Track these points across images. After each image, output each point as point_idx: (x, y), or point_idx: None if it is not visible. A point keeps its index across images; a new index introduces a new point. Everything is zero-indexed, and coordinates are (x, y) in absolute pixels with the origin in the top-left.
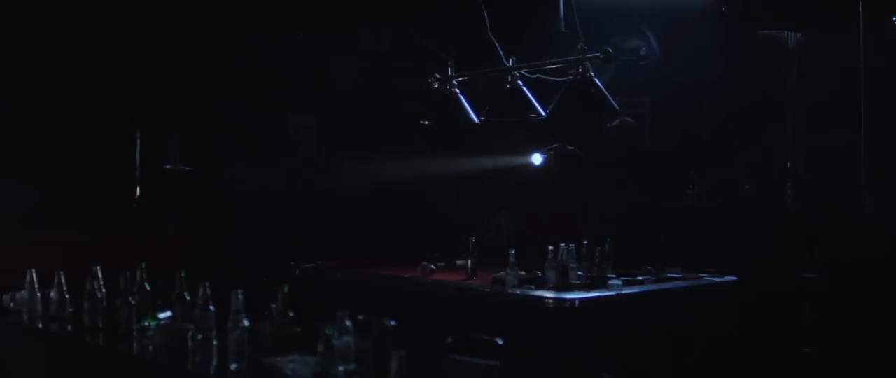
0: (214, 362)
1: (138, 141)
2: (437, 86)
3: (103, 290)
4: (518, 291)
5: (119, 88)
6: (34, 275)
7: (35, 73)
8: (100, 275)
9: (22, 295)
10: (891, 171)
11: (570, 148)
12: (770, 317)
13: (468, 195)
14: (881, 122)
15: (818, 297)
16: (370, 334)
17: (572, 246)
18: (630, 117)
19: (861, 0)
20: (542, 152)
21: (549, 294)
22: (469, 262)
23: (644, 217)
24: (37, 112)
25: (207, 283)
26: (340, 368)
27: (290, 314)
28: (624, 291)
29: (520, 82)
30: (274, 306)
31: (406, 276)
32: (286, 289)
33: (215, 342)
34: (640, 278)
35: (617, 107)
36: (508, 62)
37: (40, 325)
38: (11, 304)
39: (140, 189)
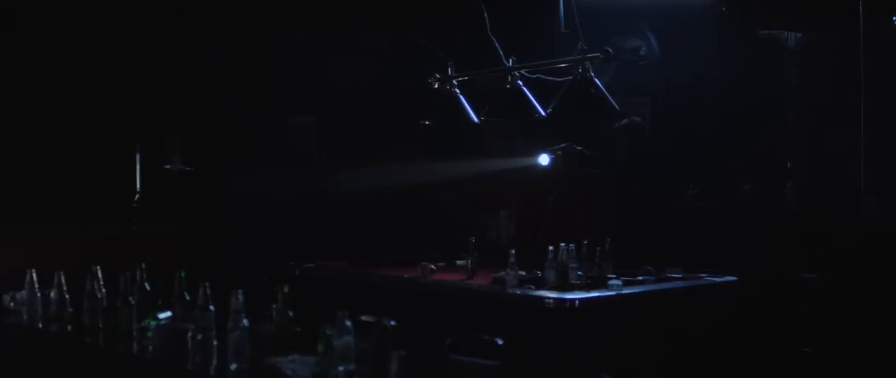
0: (214, 362)
1: (138, 141)
2: (437, 86)
3: (103, 290)
4: (518, 291)
5: (119, 88)
6: (34, 275)
7: (35, 73)
8: (100, 275)
9: (22, 295)
10: (891, 171)
11: (578, 148)
12: (770, 317)
13: (468, 195)
14: (881, 122)
15: (818, 296)
16: (370, 334)
17: (572, 246)
18: (638, 116)
19: (861, 0)
20: (549, 152)
21: (549, 294)
22: (469, 262)
23: (648, 217)
24: (37, 112)
25: (207, 283)
26: (340, 368)
27: (290, 314)
28: (624, 291)
29: (520, 82)
30: (274, 306)
31: (406, 276)
32: (286, 289)
33: (215, 342)
34: (640, 278)
35: (617, 107)
36: (508, 62)
37: (40, 325)
38: (11, 304)
39: (140, 189)
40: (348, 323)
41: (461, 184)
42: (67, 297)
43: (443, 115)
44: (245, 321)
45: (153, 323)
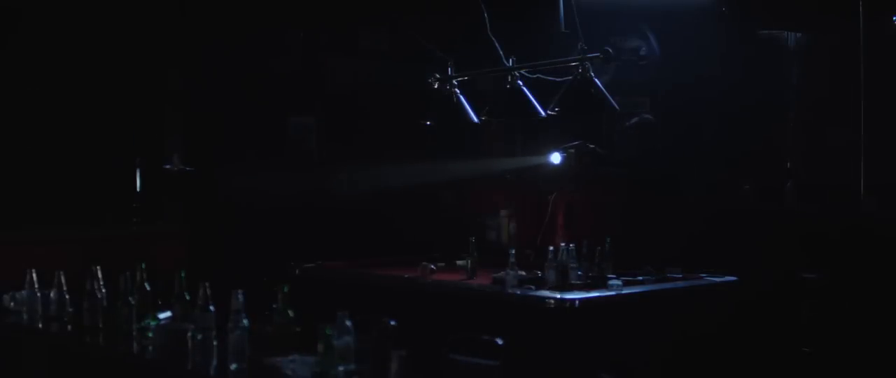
0: (214, 362)
1: (138, 141)
2: (437, 86)
3: (103, 290)
4: (518, 291)
5: (119, 88)
6: (34, 275)
7: (35, 73)
8: (100, 275)
9: (22, 295)
10: (891, 171)
11: (591, 146)
12: (770, 316)
13: (468, 195)
14: (881, 122)
15: (818, 296)
16: (370, 334)
17: (572, 246)
18: (648, 114)
19: (861, 0)
20: (561, 151)
21: (549, 294)
22: (469, 262)
23: (656, 216)
24: (37, 112)
25: (207, 283)
26: (340, 368)
27: (290, 314)
28: (624, 291)
29: (520, 82)
30: (274, 306)
31: (406, 276)
32: (286, 289)
33: (215, 342)
34: (640, 278)
35: (617, 107)
36: (508, 62)
37: (40, 325)
38: (11, 304)
39: (140, 189)
40: (348, 323)
41: (461, 184)
42: (67, 297)
43: (443, 115)
44: (245, 321)
45: (153, 323)
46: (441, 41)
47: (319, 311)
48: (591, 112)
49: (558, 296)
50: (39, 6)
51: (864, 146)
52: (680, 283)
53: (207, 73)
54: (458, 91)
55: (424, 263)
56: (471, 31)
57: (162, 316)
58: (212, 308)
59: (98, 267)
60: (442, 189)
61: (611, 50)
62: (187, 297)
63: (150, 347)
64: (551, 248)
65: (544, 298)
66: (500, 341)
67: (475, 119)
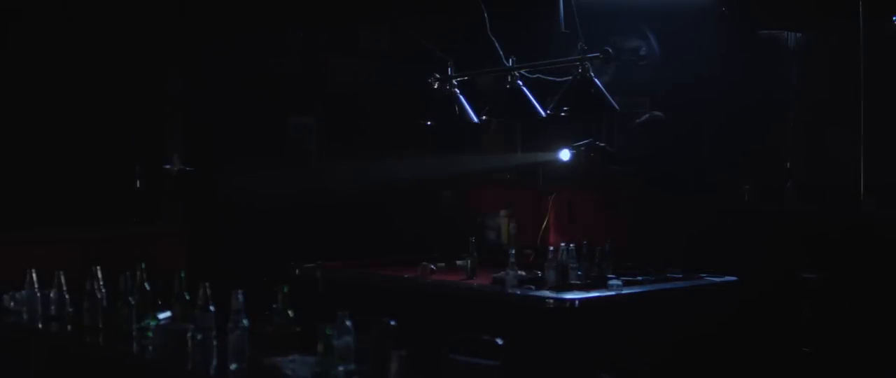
0: (214, 362)
1: (138, 141)
2: (437, 86)
3: (103, 290)
4: (518, 291)
5: (119, 88)
6: (34, 275)
7: (35, 73)
8: (100, 275)
9: (22, 295)
10: (891, 171)
11: (601, 144)
12: (769, 317)
13: (468, 195)
14: (881, 122)
15: (817, 296)
16: (370, 334)
17: (572, 246)
18: (659, 112)
19: (861, 0)
20: (570, 148)
21: (549, 294)
22: (469, 262)
23: (658, 216)
24: (37, 112)
25: (207, 283)
26: (340, 368)
27: (290, 314)
28: (624, 291)
29: (520, 82)
30: (274, 306)
31: (406, 276)
32: (286, 289)
33: (215, 342)
34: (640, 278)
35: (617, 107)
36: (508, 62)
37: (40, 325)
38: (11, 304)
39: (140, 189)
40: (348, 323)
41: (461, 184)
42: (67, 297)
43: (443, 115)
44: (245, 321)
45: (153, 323)
46: (441, 41)
47: (319, 311)
48: (591, 112)
49: (558, 296)
50: (40, 6)
51: (864, 146)
52: (680, 283)
53: (207, 73)
54: (458, 91)
55: (424, 263)
56: (471, 31)
57: (162, 316)
58: (212, 308)
59: (98, 267)
60: (442, 189)
61: (611, 50)
62: (187, 297)
63: (150, 347)
64: (551, 248)
65: (544, 298)
66: (500, 341)
67: (475, 119)
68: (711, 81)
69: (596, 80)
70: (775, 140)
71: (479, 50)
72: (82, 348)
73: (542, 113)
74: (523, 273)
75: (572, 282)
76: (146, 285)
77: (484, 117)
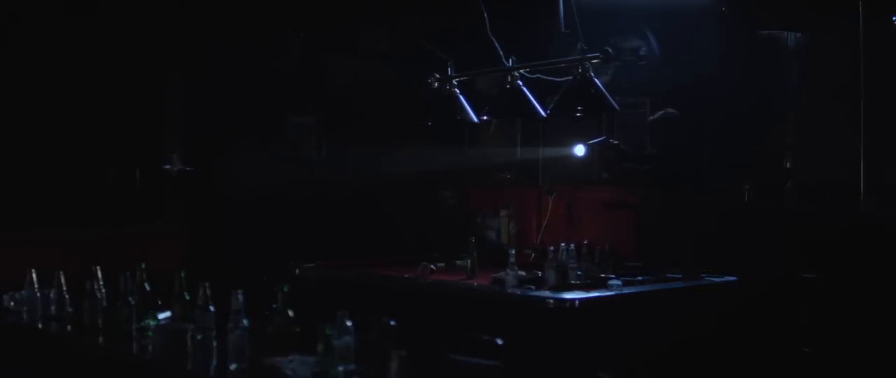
0: (214, 362)
1: (138, 141)
2: (437, 86)
3: (103, 290)
4: (518, 291)
5: (120, 88)
6: (34, 275)
7: (35, 73)
8: (100, 275)
9: (22, 295)
10: (891, 171)
11: (615, 142)
12: (769, 317)
13: (468, 195)
14: (881, 122)
15: (817, 296)
16: (370, 334)
17: (572, 246)
18: (673, 109)
19: (861, 0)
20: (585, 144)
21: (549, 294)
22: (469, 262)
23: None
24: (37, 112)
25: (207, 283)
26: (340, 368)
27: (290, 314)
28: (624, 291)
29: (519, 82)
30: (274, 306)
31: (406, 276)
32: (286, 289)
33: (215, 342)
34: (640, 278)
35: (617, 107)
36: (508, 62)
37: (40, 326)
38: (11, 304)
39: (140, 189)
40: (348, 323)
41: (461, 184)
42: (67, 297)
43: (443, 116)
44: (245, 321)
45: (153, 323)
46: (441, 41)
47: (319, 311)
48: (591, 112)
49: (558, 296)
50: (40, 6)
51: (864, 146)
52: (680, 284)
53: (207, 74)
54: (457, 91)
55: (424, 263)
56: (471, 31)
57: (162, 316)
58: (212, 308)
59: (98, 267)
60: (442, 189)
61: (611, 50)
62: (187, 297)
63: (150, 347)
64: (551, 248)
65: (544, 298)
66: (500, 341)
67: (475, 119)
68: (711, 81)
69: (596, 80)
70: (775, 140)
71: (479, 50)
72: (82, 348)
73: (542, 113)
74: (523, 273)
75: (572, 282)
76: (146, 285)
77: (484, 117)
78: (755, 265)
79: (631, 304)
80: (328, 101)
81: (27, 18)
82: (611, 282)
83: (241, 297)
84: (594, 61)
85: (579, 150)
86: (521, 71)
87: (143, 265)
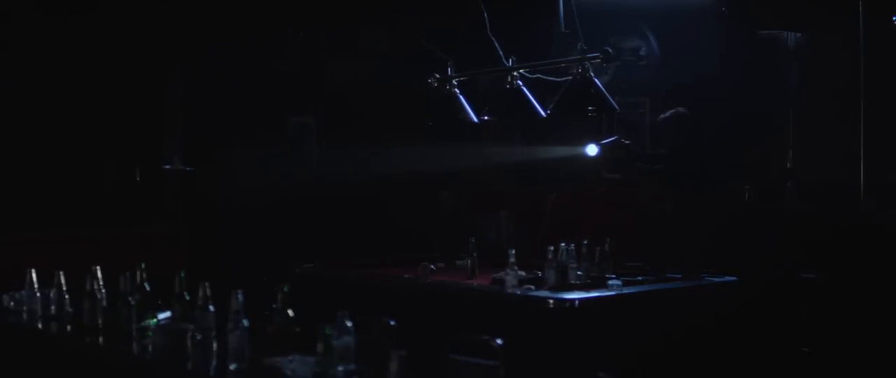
0: (214, 362)
1: (138, 141)
2: (437, 86)
3: (103, 290)
4: (518, 291)
5: (120, 88)
6: (34, 275)
7: (35, 73)
8: (100, 275)
9: (22, 295)
10: (891, 171)
11: (626, 141)
12: (769, 317)
13: (468, 195)
14: (881, 122)
15: (817, 296)
16: (370, 334)
17: (572, 246)
18: (683, 108)
19: (861, 0)
20: (597, 144)
21: (549, 294)
22: (469, 262)
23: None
24: (37, 112)
25: (207, 283)
26: (340, 368)
27: (290, 314)
28: (624, 291)
29: (519, 82)
30: (274, 306)
31: (406, 276)
32: (286, 289)
33: (215, 342)
34: (640, 278)
35: (617, 107)
36: (508, 62)
37: (40, 325)
38: (11, 304)
39: (140, 189)
40: (348, 323)
41: (461, 184)
42: (67, 297)
43: (442, 115)
44: (245, 321)
45: (153, 323)
46: (441, 41)
47: (319, 311)
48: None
49: (558, 296)
50: (40, 6)
51: (864, 146)
52: (680, 283)
53: (208, 74)
54: (457, 91)
55: (424, 263)
56: (471, 31)
57: (162, 316)
58: (212, 308)
59: (98, 267)
60: (442, 189)
61: (611, 50)
62: (187, 297)
63: (150, 347)
64: (551, 248)
65: (544, 298)
66: (500, 341)
67: (475, 119)
68: (711, 81)
69: (596, 79)
70: (775, 140)
71: (479, 50)
72: (82, 348)
73: (542, 113)
74: (523, 273)
75: (572, 282)
76: (146, 285)
77: (484, 117)
78: (755, 265)
79: (631, 304)
80: (328, 101)
81: (27, 18)
82: (611, 282)
83: (241, 297)
84: (594, 61)
85: (591, 149)
86: (521, 71)
87: (143, 265)
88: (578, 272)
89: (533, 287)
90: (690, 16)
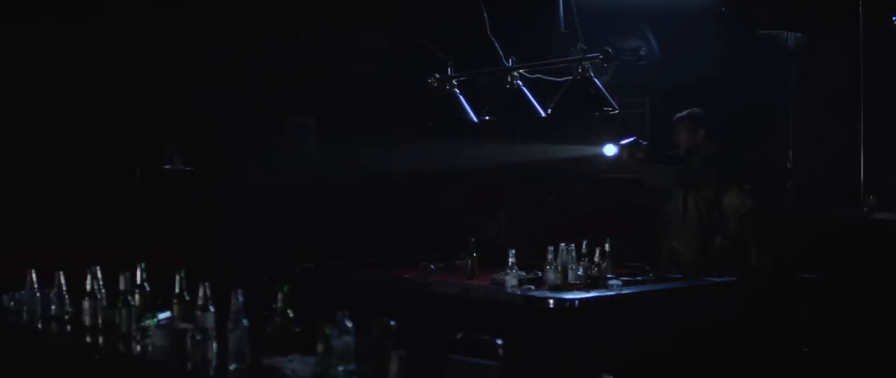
0: (214, 362)
1: (138, 141)
2: (437, 86)
3: (103, 291)
4: (518, 291)
5: (119, 89)
6: (34, 275)
7: (35, 73)
8: (100, 275)
9: (22, 295)
10: (891, 171)
11: (644, 142)
12: (770, 316)
13: (468, 195)
14: (881, 122)
15: (818, 297)
16: (370, 334)
17: (572, 246)
18: (698, 109)
19: (861, 0)
20: (615, 144)
21: (549, 294)
22: (469, 262)
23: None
24: (37, 113)
25: (207, 283)
26: (340, 368)
27: (290, 314)
28: (624, 291)
29: (519, 82)
30: (274, 306)
31: (406, 276)
32: (286, 289)
33: (215, 342)
34: (640, 278)
35: (617, 107)
36: (508, 62)
37: (40, 326)
38: (11, 304)
39: (140, 189)
40: (348, 323)
41: (461, 183)
42: (67, 297)
43: (442, 115)
44: (245, 321)
45: (153, 323)
46: (441, 41)
47: (319, 311)
48: (591, 112)
49: (558, 296)
50: (40, 6)
51: (864, 146)
52: (679, 284)
53: (208, 74)
54: (457, 91)
55: (424, 263)
56: (471, 31)
57: (162, 316)
58: (212, 308)
59: (98, 267)
60: (442, 188)
61: (611, 50)
62: (187, 297)
63: (150, 347)
64: (551, 248)
65: (544, 298)
66: (500, 341)
67: (475, 119)
68: (711, 82)
69: (596, 79)
70: (775, 140)
71: (479, 50)
72: (82, 348)
73: (542, 113)
74: (523, 273)
75: (572, 282)
76: (146, 285)
77: (485, 117)
78: (755, 265)
79: (631, 304)
80: (328, 101)
81: (27, 18)
82: (611, 282)
83: (241, 297)
84: (594, 61)
85: (609, 150)
86: (521, 71)
87: (143, 265)
88: (578, 272)
89: (533, 287)
90: (690, 16)
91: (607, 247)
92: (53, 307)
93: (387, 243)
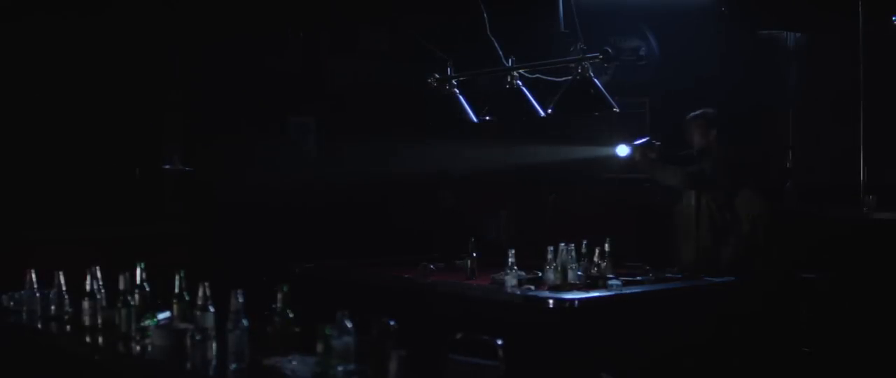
0: (214, 362)
1: (138, 141)
2: (437, 86)
3: (103, 291)
4: (518, 291)
5: (119, 89)
6: (34, 275)
7: (35, 73)
8: (100, 275)
9: (22, 295)
10: (891, 171)
11: (657, 142)
12: (770, 316)
13: (468, 195)
14: (881, 122)
15: (818, 297)
16: (370, 334)
17: (572, 246)
18: (711, 109)
19: (861, 0)
20: (628, 144)
21: (548, 294)
22: (469, 262)
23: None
24: (37, 113)
25: (207, 283)
26: (340, 368)
27: (290, 314)
28: (623, 291)
29: (519, 82)
30: (274, 306)
31: (406, 276)
32: (286, 289)
33: (215, 342)
34: (640, 278)
35: (616, 107)
36: (508, 62)
37: (40, 326)
38: (11, 304)
39: (140, 189)
40: (348, 323)
41: (461, 183)
42: (67, 297)
43: (442, 115)
44: (245, 321)
45: (153, 323)
46: (441, 41)
47: (319, 311)
48: (591, 112)
49: (558, 296)
50: (41, 5)
51: (864, 146)
52: (679, 284)
53: (207, 74)
54: (457, 91)
55: (424, 263)
56: (471, 31)
57: (162, 316)
58: (212, 308)
59: (98, 267)
60: (442, 188)
61: (610, 50)
62: (187, 297)
63: (150, 347)
64: (551, 248)
65: (544, 298)
66: (500, 341)
67: (475, 119)
68: (711, 82)
69: (595, 79)
70: (775, 140)
71: (478, 50)
72: (82, 348)
73: (542, 113)
74: (523, 273)
75: (572, 282)
76: (146, 285)
77: (485, 117)
78: (755, 265)
79: (631, 304)
80: (328, 101)
81: (26, 18)
82: (611, 282)
83: (240, 297)
84: (594, 61)
85: (622, 150)
86: (521, 71)
87: (142, 265)
88: (578, 272)
89: (533, 287)
90: (690, 16)
91: (607, 247)
92: (53, 307)
93: (387, 243)
